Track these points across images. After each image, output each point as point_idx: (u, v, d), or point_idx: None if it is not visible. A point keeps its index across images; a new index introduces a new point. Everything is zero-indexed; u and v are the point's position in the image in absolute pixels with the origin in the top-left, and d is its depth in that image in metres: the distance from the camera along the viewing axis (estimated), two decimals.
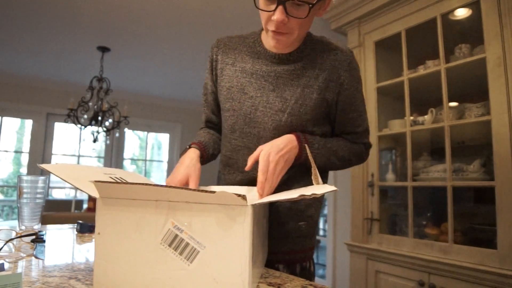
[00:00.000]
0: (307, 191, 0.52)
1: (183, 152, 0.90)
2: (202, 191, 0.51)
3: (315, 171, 0.69)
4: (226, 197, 0.50)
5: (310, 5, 0.72)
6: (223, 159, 0.97)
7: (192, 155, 0.86)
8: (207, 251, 0.52)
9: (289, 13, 0.73)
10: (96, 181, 0.53)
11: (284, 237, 0.90)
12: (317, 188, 0.53)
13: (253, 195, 0.75)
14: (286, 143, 0.79)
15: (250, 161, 0.77)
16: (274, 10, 0.72)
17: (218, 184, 1.02)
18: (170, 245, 0.53)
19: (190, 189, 0.52)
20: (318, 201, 0.94)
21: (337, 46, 0.88)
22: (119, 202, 0.55)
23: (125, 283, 0.54)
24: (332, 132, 0.96)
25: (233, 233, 0.51)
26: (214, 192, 0.50)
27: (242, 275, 0.50)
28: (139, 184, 0.52)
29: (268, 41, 0.82)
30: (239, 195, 0.50)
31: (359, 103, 0.90)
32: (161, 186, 0.52)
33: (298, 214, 0.90)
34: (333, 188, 0.52)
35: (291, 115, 0.84)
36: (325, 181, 0.96)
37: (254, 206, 0.52)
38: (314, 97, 0.84)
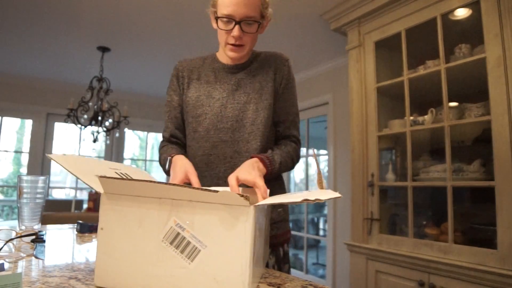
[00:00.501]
0: (311, 195, 0.52)
1: (168, 164, 0.97)
2: (206, 190, 0.51)
3: (319, 176, 0.71)
4: (230, 197, 0.50)
5: (258, 23, 0.97)
6: (203, 160, 1.05)
7: (181, 156, 0.95)
8: (208, 250, 0.52)
9: (244, 30, 0.96)
10: (101, 177, 0.53)
11: (270, 224, 1.00)
12: (321, 194, 0.53)
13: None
14: (250, 165, 0.89)
15: (234, 189, 0.80)
16: (232, 29, 0.95)
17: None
18: (171, 243, 0.53)
19: (194, 188, 0.52)
20: (281, 188, 1.10)
21: (277, 52, 1.12)
22: (122, 198, 0.55)
23: (126, 279, 0.54)
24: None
25: (235, 233, 0.51)
26: (217, 191, 0.50)
27: (243, 275, 0.50)
28: (143, 181, 0.52)
29: (227, 54, 1.02)
30: (242, 195, 0.50)
31: (294, 94, 1.12)
32: (165, 183, 0.52)
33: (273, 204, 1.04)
34: (337, 194, 0.53)
35: (255, 103, 1.04)
36: (282, 190, 1.10)
37: (257, 207, 0.52)
38: (269, 86, 1.06)
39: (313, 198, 0.51)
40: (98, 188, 0.57)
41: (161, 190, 0.53)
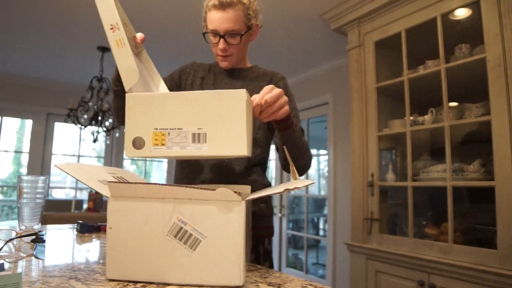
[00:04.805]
0: (290, 185, 0.62)
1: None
2: (204, 188, 0.59)
3: (293, 169, 0.79)
4: (225, 193, 0.58)
5: (241, 35, 1.04)
6: (182, 161, 1.14)
7: None
8: (208, 240, 0.59)
9: (228, 42, 1.04)
10: (109, 182, 0.61)
11: (253, 217, 1.06)
12: (298, 183, 0.63)
13: None
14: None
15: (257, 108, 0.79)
16: (218, 42, 1.04)
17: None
18: (175, 236, 0.60)
19: (193, 187, 0.59)
20: (265, 186, 1.14)
21: (274, 70, 1.19)
22: (129, 200, 0.62)
23: (135, 270, 0.61)
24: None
25: (230, 225, 0.59)
26: (214, 189, 0.58)
27: (238, 259, 0.59)
28: (149, 183, 0.60)
29: (219, 63, 1.13)
30: (235, 192, 0.58)
31: (294, 106, 1.14)
32: (167, 185, 0.60)
33: (259, 198, 1.05)
34: (310, 181, 0.64)
35: None
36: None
37: (247, 201, 0.61)
38: None
39: (292, 187, 0.60)
40: (104, 191, 0.64)
41: (164, 191, 0.60)
